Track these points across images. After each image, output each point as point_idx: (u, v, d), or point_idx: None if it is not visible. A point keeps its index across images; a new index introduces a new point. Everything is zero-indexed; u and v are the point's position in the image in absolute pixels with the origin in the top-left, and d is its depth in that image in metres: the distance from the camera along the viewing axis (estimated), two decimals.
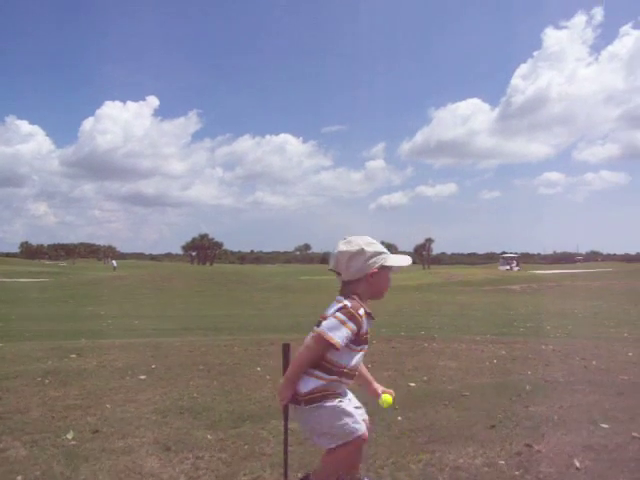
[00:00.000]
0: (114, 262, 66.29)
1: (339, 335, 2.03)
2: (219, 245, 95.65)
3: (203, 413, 3.52)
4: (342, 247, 2.18)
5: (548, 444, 2.93)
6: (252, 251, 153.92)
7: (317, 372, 2.10)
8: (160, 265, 64.70)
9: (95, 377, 4.55)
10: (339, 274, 2.20)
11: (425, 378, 4.56)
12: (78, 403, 3.74)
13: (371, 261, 2.16)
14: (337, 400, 2.14)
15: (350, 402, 2.17)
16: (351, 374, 2.15)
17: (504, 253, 79.72)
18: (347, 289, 2.19)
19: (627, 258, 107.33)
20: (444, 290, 31.81)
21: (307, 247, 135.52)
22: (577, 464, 2.65)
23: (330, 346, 2.03)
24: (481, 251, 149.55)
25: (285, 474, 2.28)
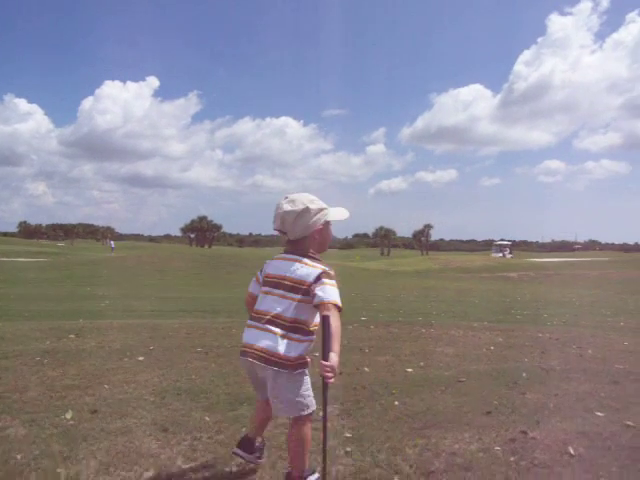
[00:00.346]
0: (112, 243, 63.41)
1: (340, 300, 2.09)
2: (218, 227, 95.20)
3: (201, 395, 3.53)
4: (287, 207, 2.16)
5: (543, 431, 2.96)
6: (251, 234, 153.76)
7: (297, 336, 2.13)
8: (159, 247, 64.37)
9: (93, 357, 4.57)
10: (284, 233, 2.20)
11: (422, 364, 4.59)
12: (76, 383, 3.76)
13: (316, 218, 2.17)
14: (307, 369, 2.19)
15: None
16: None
17: (501, 240, 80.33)
18: (296, 248, 2.20)
19: (625, 248, 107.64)
20: (442, 276, 31.95)
21: None
22: (571, 451, 2.67)
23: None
24: (480, 238, 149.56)
25: (324, 452, 2.15)
